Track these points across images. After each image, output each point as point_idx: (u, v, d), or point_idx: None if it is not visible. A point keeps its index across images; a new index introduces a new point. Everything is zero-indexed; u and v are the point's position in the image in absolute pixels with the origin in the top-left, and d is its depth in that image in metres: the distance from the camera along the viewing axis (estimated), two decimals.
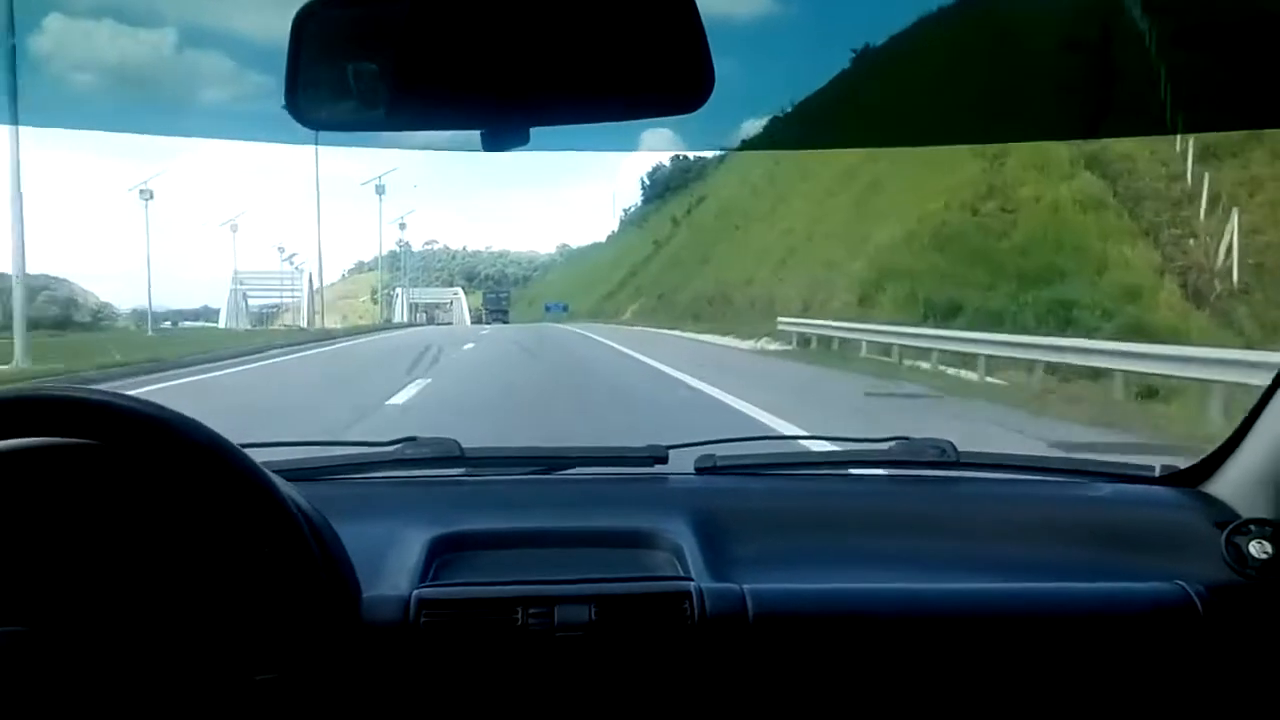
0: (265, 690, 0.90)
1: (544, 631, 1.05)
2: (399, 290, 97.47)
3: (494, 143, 0.85)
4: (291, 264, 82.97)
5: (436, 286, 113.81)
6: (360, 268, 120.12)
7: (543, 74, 0.83)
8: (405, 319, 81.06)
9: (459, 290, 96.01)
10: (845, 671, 1.09)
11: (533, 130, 0.86)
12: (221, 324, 69.99)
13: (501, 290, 67.65)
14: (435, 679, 1.04)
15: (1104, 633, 1.11)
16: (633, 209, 76.04)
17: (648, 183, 72.91)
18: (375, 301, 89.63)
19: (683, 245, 45.35)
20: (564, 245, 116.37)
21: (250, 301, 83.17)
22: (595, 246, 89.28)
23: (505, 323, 54.87)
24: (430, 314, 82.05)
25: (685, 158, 65.78)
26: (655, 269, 48.11)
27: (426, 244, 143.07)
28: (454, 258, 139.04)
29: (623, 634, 1.05)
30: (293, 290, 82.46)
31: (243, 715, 0.90)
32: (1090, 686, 1.10)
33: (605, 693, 1.06)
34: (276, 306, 73.70)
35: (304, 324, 71.42)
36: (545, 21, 0.82)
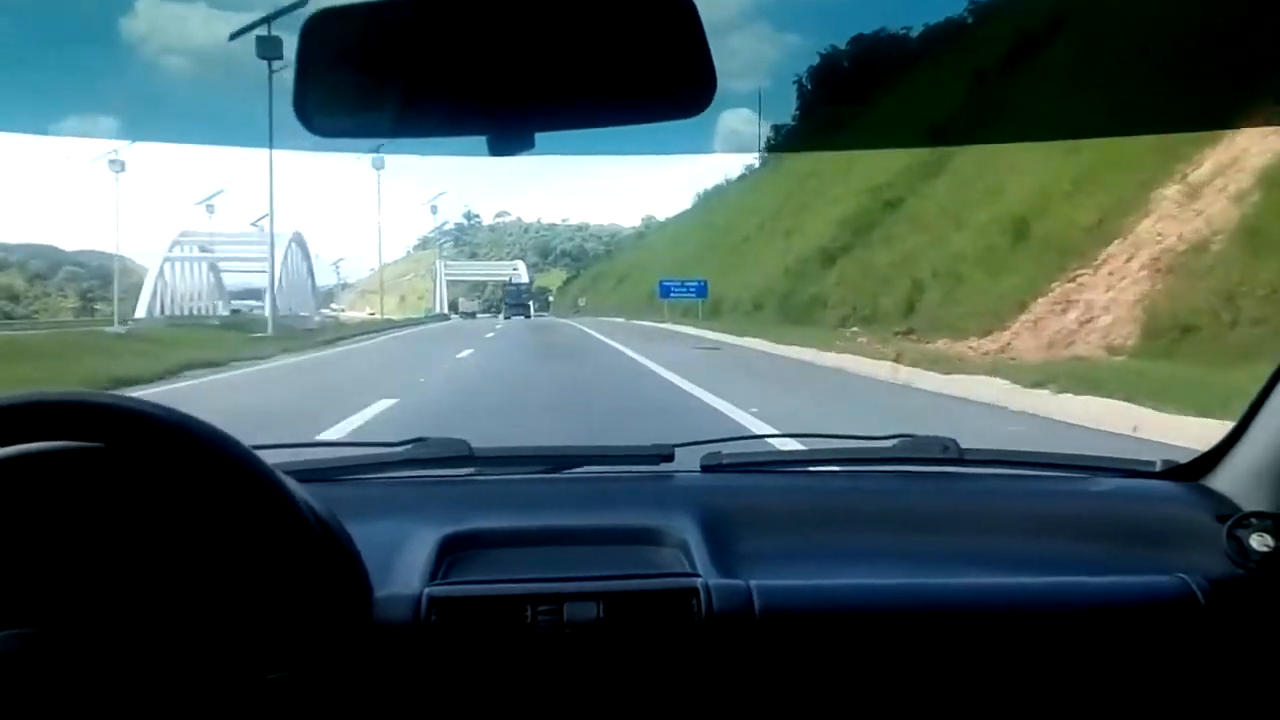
0: (278, 689, 0.91)
1: (553, 629, 1.05)
2: (439, 263, 71.92)
3: (500, 148, 0.85)
4: (258, 228, 55.99)
5: (494, 260, 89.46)
6: (425, 244, 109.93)
7: (545, 81, 0.84)
8: (438, 306, 64.50)
9: (519, 265, 69.95)
10: (852, 666, 1.08)
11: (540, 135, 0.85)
12: (141, 312, 44.21)
13: (522, 286, 58.16)
14: (446, 676, 1.04)
15: (1107, 626, 1.11)
16: (787, 126, 44.93)
17: (809, 85, 42.68)
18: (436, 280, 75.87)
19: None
20: (650, 217, 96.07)
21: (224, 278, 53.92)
22: (724, 189, 54.79)
23: (527, 316, 45.95)
24: (454, 302, 66.95)
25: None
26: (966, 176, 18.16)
27: (498, 216, 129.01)
28: (526, 231, 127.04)
29: (630, 631, 1.05)
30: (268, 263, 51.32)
31: (255, 714, 0.90)
32: (1094, 680, 1.10)
33: (614, 689, 1.06)
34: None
35: (268, 311, 40.72)
36: (547, 29, 0.83)
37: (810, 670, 1.07)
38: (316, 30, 0.84)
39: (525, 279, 65.56)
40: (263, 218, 58.14)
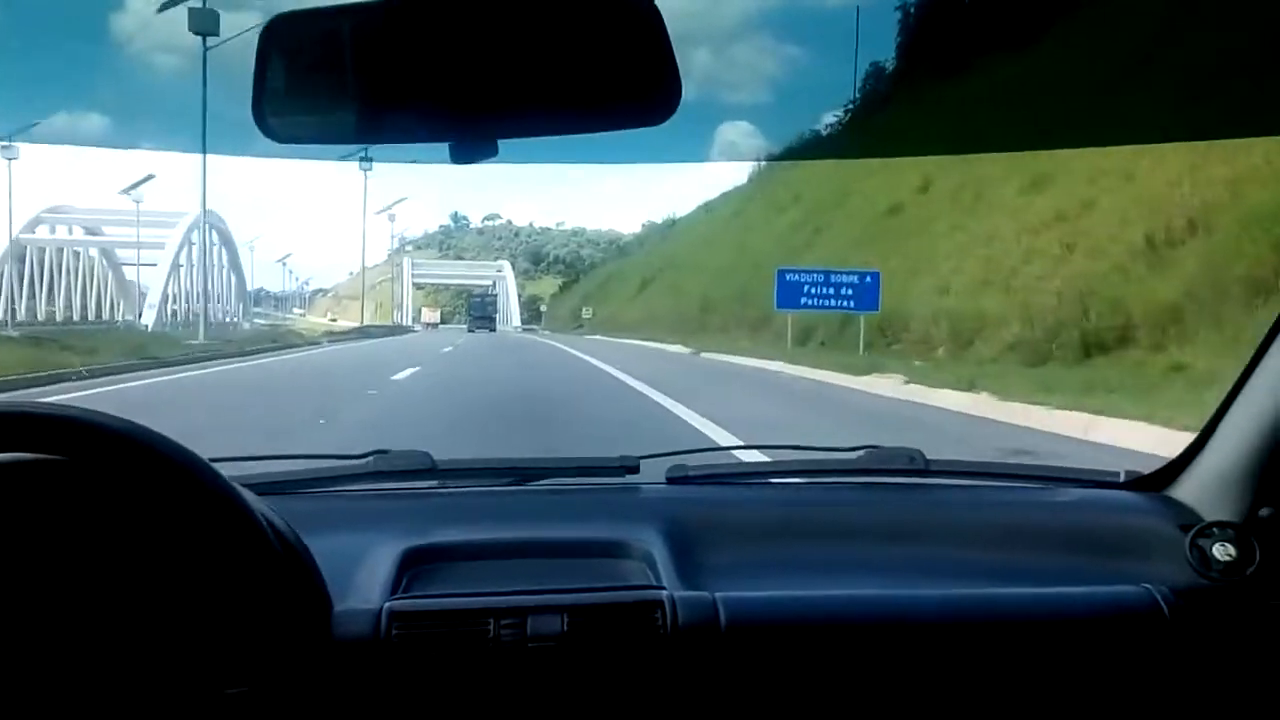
0: (236, 704, 0.90)
1: (516, 642, 1.04)
2: (405, 262, 60.44)
3: (462, 155, 0.84)
4: (133, 196, 41.40)
5: (476, 261, 77.92)
6: (404, 247, 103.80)
7: (508, 88, 0.83)
8: (398, 318, 59.65)
9: (504, 266, 57.80)
10: (817, 678, 1.08)
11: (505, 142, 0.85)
12: None
13: (489, 296, 54.22)
14: (407, 691, 1.03)
15: (1072, 636, 1.11)
16: (864, 89, 30.42)
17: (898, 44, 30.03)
18: (418, 286, 70.35)
19: None
20: (650, 222, 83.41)
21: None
22: (814, 140, 34.23)
23: (492, 330, 44.05)
24: (418, 311, 62.02)
25: None
26: None
27: (486, 219, 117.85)
28: (517, 235, 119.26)
29: (595, 644, 1.04)
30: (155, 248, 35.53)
31: None
32: (1059, 689, 1.10)
33: (578, 703, 1.05)
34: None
35: (146, 320, 39.00)
36: (509, 35, 0.83)
37: (776, 682, 1.07)
38: (276, 34, 0.84)
39: (509, 281, 58.82)
40: (141, 182, 41.67)
